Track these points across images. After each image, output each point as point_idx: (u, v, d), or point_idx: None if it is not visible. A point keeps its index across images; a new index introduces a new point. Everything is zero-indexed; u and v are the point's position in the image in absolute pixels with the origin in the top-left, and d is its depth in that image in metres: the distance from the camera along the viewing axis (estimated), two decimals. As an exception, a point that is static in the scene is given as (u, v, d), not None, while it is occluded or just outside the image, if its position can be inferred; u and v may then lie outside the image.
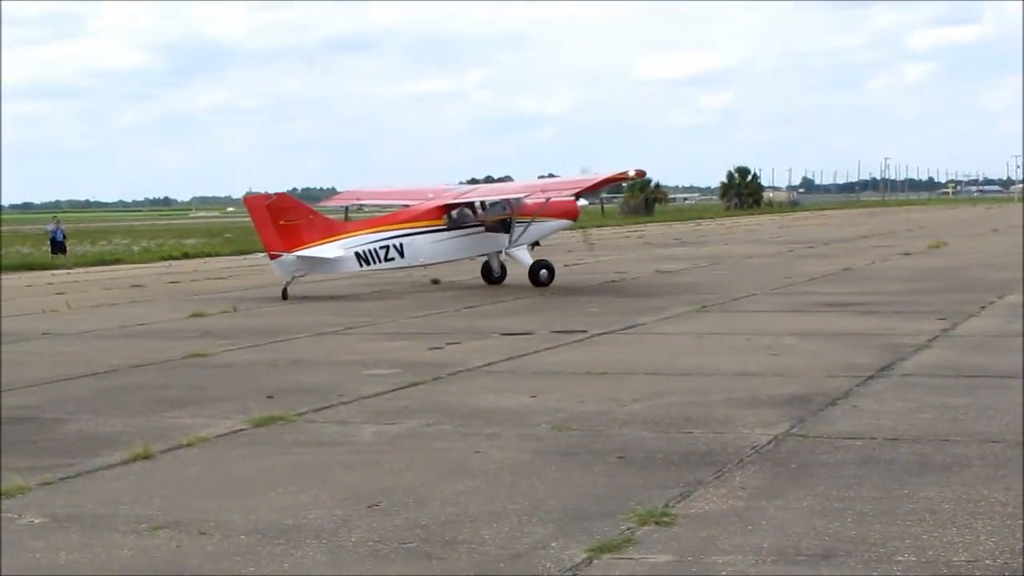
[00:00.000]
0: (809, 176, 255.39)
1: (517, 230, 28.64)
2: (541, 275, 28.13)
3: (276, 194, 27.99)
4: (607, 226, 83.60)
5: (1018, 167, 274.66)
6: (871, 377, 13.19)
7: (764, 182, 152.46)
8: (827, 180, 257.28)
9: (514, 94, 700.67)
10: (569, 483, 8.80)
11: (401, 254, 27.79)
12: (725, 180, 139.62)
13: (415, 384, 13.72)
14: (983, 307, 20.30)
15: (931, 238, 46.92)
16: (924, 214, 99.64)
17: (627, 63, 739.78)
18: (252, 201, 28.06)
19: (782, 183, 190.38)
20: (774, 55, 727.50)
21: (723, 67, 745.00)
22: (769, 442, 9.98)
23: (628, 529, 7.50)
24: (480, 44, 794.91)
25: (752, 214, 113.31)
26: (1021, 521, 7.43)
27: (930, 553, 6.88)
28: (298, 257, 26.69)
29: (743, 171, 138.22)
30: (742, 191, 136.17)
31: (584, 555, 7.04)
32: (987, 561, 6.72)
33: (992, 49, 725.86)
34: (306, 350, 17.43)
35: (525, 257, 28.72)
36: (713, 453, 9.64)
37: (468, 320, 21.08)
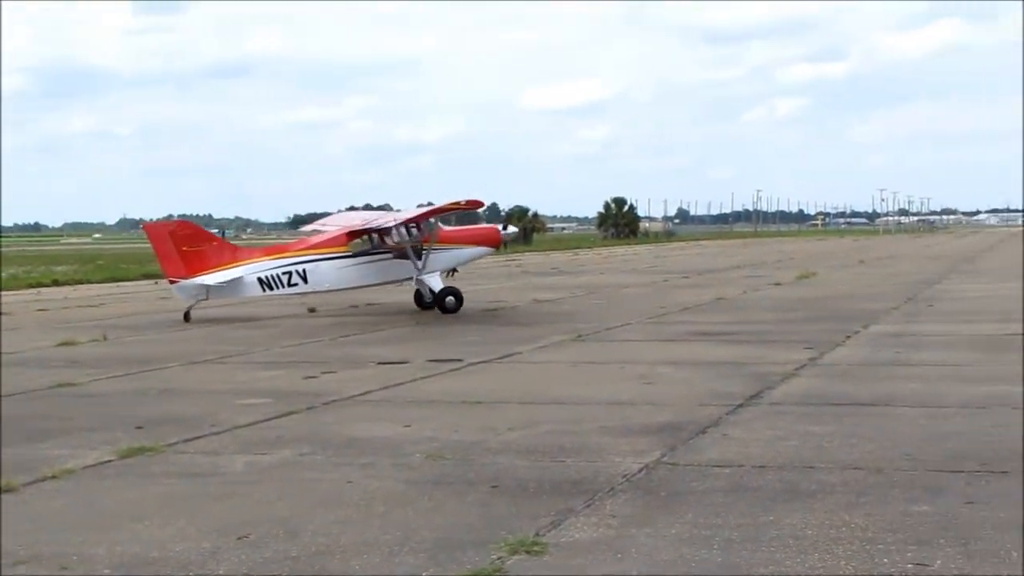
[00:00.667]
0: (684, 207, 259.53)
1: (428, 257, 28.68)
2: (448, 302, 28.24)
3: (177, 221, 28.71)
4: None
5: (907, 200, 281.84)
6: (740, 405, 13.44)
7: (640, 212, 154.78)
8: (702, 211, 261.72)
9: (394, 123, 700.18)
10: (441, 513, 8.81)
11: (304, 280, 28.31)
12: (602, 210, 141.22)
13: (289, 414, 13.61)
14: (848, 336, 20.81)
15: (800, 269, 47.96)
16: (794, 245, 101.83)
17: (509, 93, 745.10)
18: (153, 228, 28.97)
19: (658, 213, 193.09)
20: (652, 87, 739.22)
21: (603, 99, 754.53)
22: (640, 470, 10.11)
23: (499, 559, 7.54)
24: (360, 72, 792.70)
25: (628, 244, 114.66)
26: (880, 546, 7.63)
27: (793, 579, 7.04)
28: (199, 284, 27.42)
29: (620, 201, 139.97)
30: (619, 221, 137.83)
31: (455, 585, 7.06)
32: (847, 586, 6.90)
33: (859, 85, 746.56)
34: (178, 379, 17.17)
35: (436, 284, 28.67)
36: (585, 481, 9.73)
37: (344, 349, 20.99)
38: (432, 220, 29.15)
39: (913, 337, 20.58)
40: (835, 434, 11.51)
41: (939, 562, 7.29)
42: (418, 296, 29.64)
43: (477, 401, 14.28)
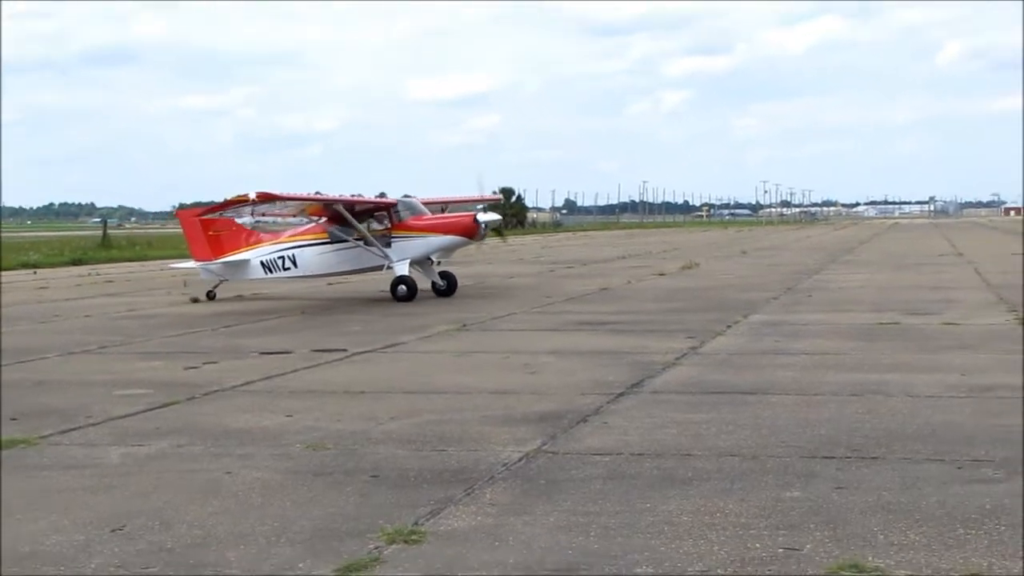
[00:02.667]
0: (571, 198, 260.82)
1: (396, 245, 28.86)
2: (399, 290, 28.14)
3: (205, 207, 30.37)
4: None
5: (789, 192, 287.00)
6: (621, 394, 13.59)
7: (528, 203, 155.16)
8: (589, 202, 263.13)
9: (281, 112, 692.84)
10: (320, 503, 8.78)
11: (295, 264, 29.91)
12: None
13: (168, 405, 13.44)
14: (729, 326, 21.15)
15: (684, 259, 48.58)
16: (679, 236, 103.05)
17: (395, 84, 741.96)
18: (184, 215, 31.86)
19: (546, 204, 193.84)
20: (539, 79, 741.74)
21: (490, 90, 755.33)
22: (520, 459, 10.17)
23: (376, 548, 7.54)
24: (245, 61, 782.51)
25: (516, 234, 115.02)
26: (752, 531, 7.79)
27: (667, 564, 7.14)
28: (222, 264, 30.30)
29: (507, 192, 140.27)
30: (506, 211, 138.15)
31: (331, 575, 7.04)
32: (719, 570, 7.02)
33: (742, 79, 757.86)
34: (54, 370, 16.84)
35: (402, 271, 28.53)
36: (466, 470, 9.76)
37: (227, 339, 20.76)
38: (399, 208, 29.49)
39: (791, 326, 20.98)
40: (712, 422, 11.70)
41: (809, 546, 7.46)
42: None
43: (360, 391, 14.24)
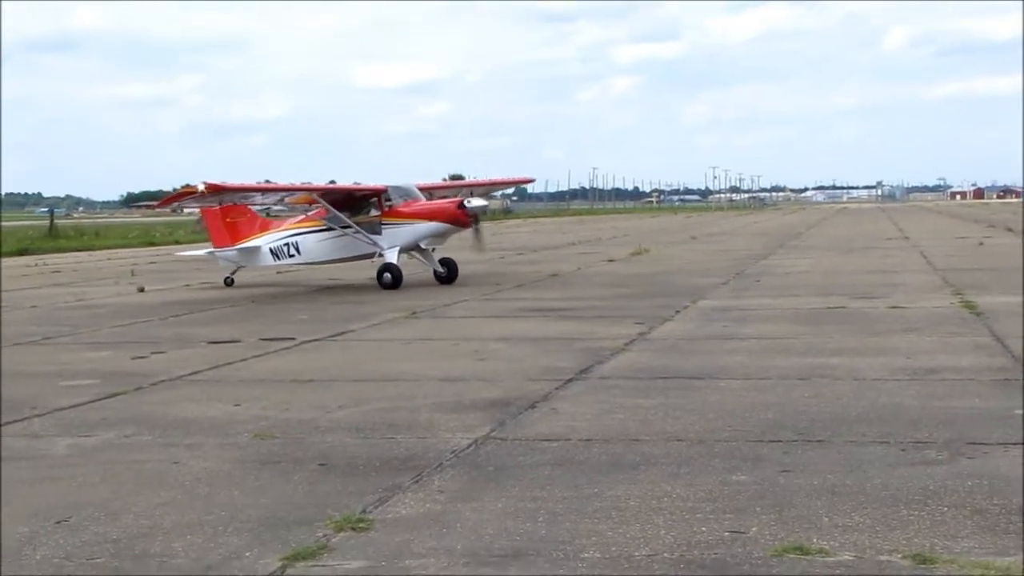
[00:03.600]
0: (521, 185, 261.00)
1: (386, 232, 28.65)
2: (384, 278, 27.88)
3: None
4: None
5: (738, 178, 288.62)
6: (570, 380, 13.62)
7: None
8: (539, 188, 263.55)
9: (228, 100, 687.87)
10: (268, 492, 8.74)
11: (298, 252, 30.01)
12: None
13: (115, 395, 13.34)
14: (678, 311, 21.25)
15: (634, 245, 48.72)
16: (629, 222, 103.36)
17: (343, 71, 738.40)
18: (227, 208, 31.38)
19: (495, 191, 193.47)
20: (488, 67, 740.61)
21: (439, 77, 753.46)
22: (469, 445, 10.18)
23: (324, 536, 7.52)
24: (190, 49, 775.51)
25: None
26: (699, 515, 7.84)
27: (613, 549, 7.17)
28: (237, 250, 30.78)
29: (457, 178, 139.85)
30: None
31: (278, 564, 7.02)
32: (665, 554, 7.06)
33: (691, 66, 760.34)
34: (-1, 361, 16.65)
35: (391, 259, 28.23)
36: (414, 458, 9.76)
37: (175, 328, 20.63)
38: (390, 193, 29.12)
39: (740, 311, 21.11)
40: (661, 407, 11.75)
41: (754, 529, 7.51)
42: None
43: (309, 379, 14.19)
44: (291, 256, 30.11)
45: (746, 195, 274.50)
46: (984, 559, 6.82)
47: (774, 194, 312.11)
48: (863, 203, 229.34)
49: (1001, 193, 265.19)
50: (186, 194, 28.20)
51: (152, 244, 65.52)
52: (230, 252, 31.08)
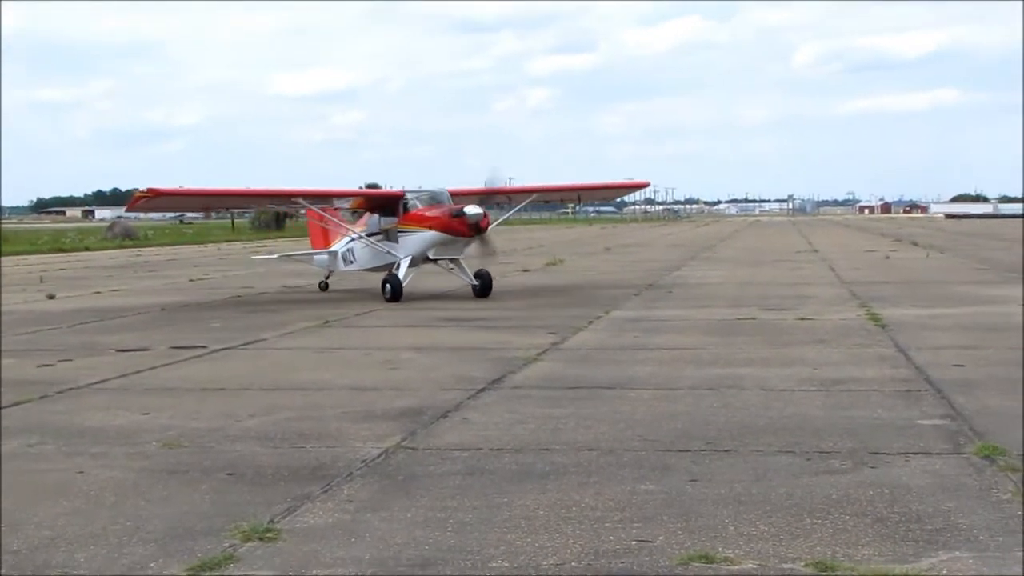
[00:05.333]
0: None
1: (401, 239, 27.65)
2: (384, 289, 26.73)
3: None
4: (237, 241, 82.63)
5: (653, 190, 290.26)
6: (482, 390, 13.64)
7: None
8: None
9: (142, 106, 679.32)
10: (175, 502, 8.65)
11: (355, 258, 29.57)
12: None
13: (19, 403, 13.11)
14: (591, 322, 21.37)
15: (549, 256, 48.90)
16: (544, 233, 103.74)
17: (258, 78, 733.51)
18: (310, 211, 30.87)
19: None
20: (404, 76, 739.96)
21: (355, 86, 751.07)
22: (379, 455, 10.15)
23: (231, 546, 7.46)
24: (102, 53, 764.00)
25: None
26: (607, 524, 7.90)
27: (522, 558, 7.20)
28: (327, 254, 30.53)
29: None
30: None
31: (184, 574, 6.95)
32: (573, 563, 7.11)
33: (605, 78, 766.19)
34: (-101, 369, 16.28)
35: (403, 268, 27.09)
36: (324, 467, 9.71)
37: (83, 336, 20.32)
38: (408, 198, 28.01)
39: (652, 322, 21.29)
40: (572, 416, 11.82)
41: (661, 538, 7.59)
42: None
43: (219, 388, 14.07)
44: (351, 263, 29.64)
45: (660, 207, 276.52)
46: (884, 566, 6.95)
47: (688, 206, 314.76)
48: (775, 216, 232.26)
49: (907, 208, 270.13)
50: (139, 198, 26.39)
51: (62, 250, 64.44)
52: (321, 256, 31.00)
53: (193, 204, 35.82)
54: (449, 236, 27.00)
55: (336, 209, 30.98)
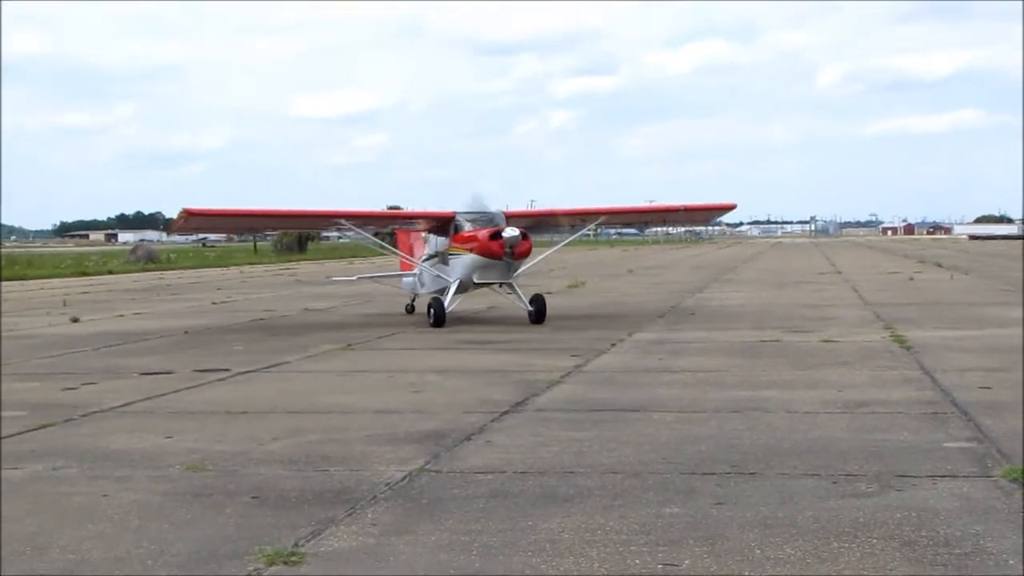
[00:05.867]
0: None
1: (451, 262, 27.00)
2: (429, 313, 26.12)
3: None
4: (260, 263, 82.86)
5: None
6: (506, 412, 13.62)
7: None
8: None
9: (165, 130, 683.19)
10: (199, 525, 8.65)
11: (422, 283, 29.17)
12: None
13: (44, 427, 13.15)
14: (613, 344, 21.33)
15: (571, 278, 48.86)
16: (566, 255, 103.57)
17: (280, 101, 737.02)
18: (401, 233, 32.09)
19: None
20: (427, 98, 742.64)
21: (378, 108, 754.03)
22: (403, 478, 10.14)
23: (255, 570, 7.45)
24: (125, 78, 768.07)
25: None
26: (632, 548, 7.86)
27: (545, 582, 7.17)
28: (413, 277, 29.98)
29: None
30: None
31: (209, 598, 6.95)
32: (599, 587, 7.07)
33: (627, 100, 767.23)
34: (-75, 392, 16.35)
35: (451, 292, 26.69)
36: (348, 491, 9.70)
37: (107, 359, 20.38)
38: (458, 219, 27.05)
39: (675, 344, 21.24)
40: (595, 439, 11.78)
41: (687, 562, 7.54)
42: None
43: (242, 411, 14.08)
44: (423, 286, 29.07)
45: (682, 229, 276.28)
46: (912, 591, 6.89)
47: (710, 228, 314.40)
48: (797, 238, 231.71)
49: (931, 229, 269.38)
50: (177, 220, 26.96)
51: (85, 274, 64.74)
52: (407, 279, 30.54)
53: (237, 225, 35.69)
54: (485, 259, 26.03)
55: (408, 231, 30.96)
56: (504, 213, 27.91)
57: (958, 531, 8.12)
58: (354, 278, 37.60)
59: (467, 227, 26.70)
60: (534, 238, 27.41)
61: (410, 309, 29.84)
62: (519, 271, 27.13)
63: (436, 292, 27.69)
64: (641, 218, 37.15)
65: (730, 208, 30.91)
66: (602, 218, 31.48)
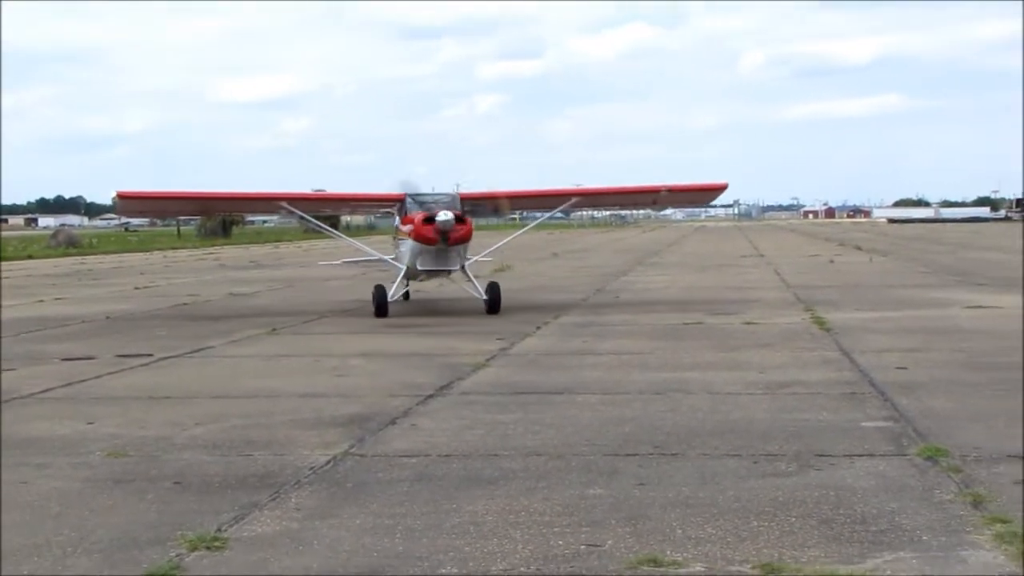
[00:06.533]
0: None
1: (400, 246, 25.58)
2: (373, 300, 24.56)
3: None
4: (183, 248, 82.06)
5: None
6: (431, 396, 13.63)
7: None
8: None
9: (86, 113, 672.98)
10: (120, 511, 8.58)
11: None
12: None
13: (-39, 414, 12.95)
14: (538, 327, 21.42)
15: (497, 262, 48.83)
16: (492, 239, 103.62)
17: (204, 84, 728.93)
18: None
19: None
20: (351, 82, 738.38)
21: (302, 92, 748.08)
22: (328, 462, 10.12)
23: (178, 556, 7.42)
24: (44, 60, 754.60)
25: (330, 237, 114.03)
26: (556, 529, 7.92)
27: (471, 564, 7.21)
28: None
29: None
30: (320, 214, 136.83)
31: (130, 584, 6.90)
32: (522, 568, 7.12)
33: (553, 83, 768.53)
34: None
35: (396, 279, 25.44)
36: (271, 475, 9.67)
37: (27, 345, 20.09)
38: (409, 203, 25.18)
39: (599, 327, 21.37)
40: (520, 422, 11.84)
41: (610, 542, 7.62)
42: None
43: (165, 396, 13.97)
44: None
45: (607, 213, 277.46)
46: (829, 567, 7.02)
47: (634, 212, 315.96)
48: (720, 222, 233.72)
49: (851, 213, 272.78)
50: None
51: (3, 259, 63.66)
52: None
53: (179, 208, 32.68)
54: (420, 244, 24.24)
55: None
56: (459, 195, 26.17)
57: (874, 508, 8.28)
58: (339, 262, 34.38)
59: (411, 211, 25.00)
60: (499, 221, 26.71)
61: (405, 295, 27.21)
62: (473, 258, 25.93)
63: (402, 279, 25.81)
64: (617, 200, 32.63)
65: (722, 188, 27.48)
66: (574, 199, 28.65)
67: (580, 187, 28.61)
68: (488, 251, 28.70)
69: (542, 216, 30.92)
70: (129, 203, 26.53)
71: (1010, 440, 10.50)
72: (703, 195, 29.64)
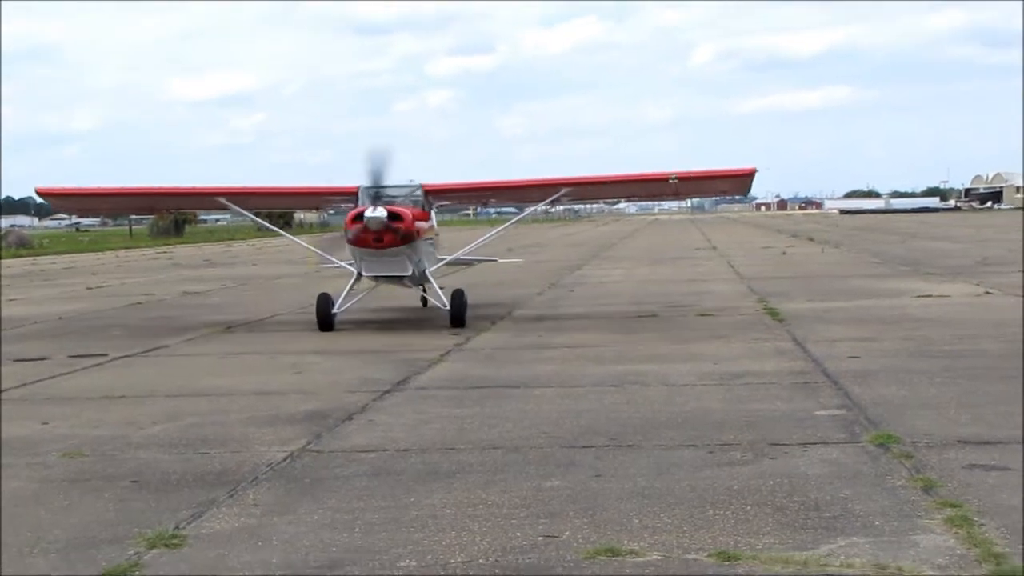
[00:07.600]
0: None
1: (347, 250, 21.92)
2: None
3: None
4: (136, 248, 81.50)
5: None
6: (387, 391, 13.65)
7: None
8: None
9: (37, 111, 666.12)
10: (77, 511, 8.55)
11: None
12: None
13: (-87, 416, 12.82)
14: (494, 322, 21.48)
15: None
16: (446, 234, 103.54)
17: (155, 82, 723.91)
18: None
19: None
20: (302, 79, 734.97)
21: (254, 89, 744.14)
22: (285, 459, 10.13)
23: (136, 554, 7.41)
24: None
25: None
26: (513, 521, 7.98)
27: (429, 557, 7.25)
28: None
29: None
30: (273, 212, 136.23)
31: (89, 583, 6.89)
32: (481, 560, 7.17)
33: (506, 78, 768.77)
34: None
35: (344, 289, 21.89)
36: (229, 472, 9.66)
37: (-23, 347, 19.90)
38: (361, 195, 21.49)
39: (554, 320, 21.46)
40: (477, 415, 11.88)
41: (567, 533, 7.68)
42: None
43: (121, 396, 13.90)
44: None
45: (561, 207, 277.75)
46: (784, 554, 7.11)
47: (588, 206, 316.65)
48: (674, 215, 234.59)
49: (803, 205, 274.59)
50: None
51: (-48, 260, 62.95)
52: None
53: (111, 204, 29.19)
54: (359, 248, 20.90)
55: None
56: (424, 187, 22.67)
57: (828, 495, 8.39)
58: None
59: (365, 201, 21.09)
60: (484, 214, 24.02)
61: (425, 301, 24.02)
62: (440, 262, 23.05)
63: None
64: (616, 191, 26.79)
65: (751, 174, 22.48)
66: (565, 190, 23.05)
67: (575, 177, 23.22)
68: (486, 252, 27.89)
69: (528, 209, 27.66)
70: (54, 200, 25.60)
71: (960, 426, 10.67)
72: (730, 183, 23.85)
